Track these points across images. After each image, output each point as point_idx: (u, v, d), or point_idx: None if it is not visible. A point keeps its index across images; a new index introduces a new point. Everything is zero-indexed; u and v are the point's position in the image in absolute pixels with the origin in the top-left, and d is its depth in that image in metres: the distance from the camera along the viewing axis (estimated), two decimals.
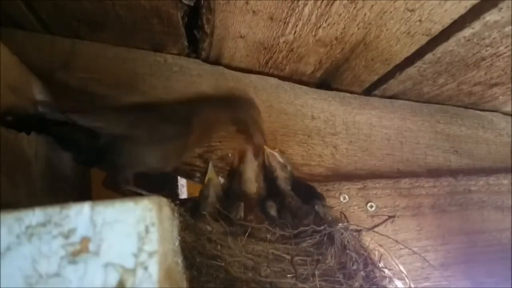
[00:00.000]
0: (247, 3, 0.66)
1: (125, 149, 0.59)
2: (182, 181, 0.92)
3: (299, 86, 0.90)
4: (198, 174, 0.78)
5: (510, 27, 0.64)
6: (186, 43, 0.80)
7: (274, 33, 0.73)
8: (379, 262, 0.66)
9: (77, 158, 0.63)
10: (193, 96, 0.73)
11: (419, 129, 0.94)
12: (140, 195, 0.61)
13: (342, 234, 0.64)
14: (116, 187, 0.60)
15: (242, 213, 0.64)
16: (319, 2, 0.63)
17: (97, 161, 0.63)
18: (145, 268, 0.30)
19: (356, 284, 0.59)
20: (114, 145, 0.59)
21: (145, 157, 0.61)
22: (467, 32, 0.66)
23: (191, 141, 0.65)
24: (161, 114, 0.64)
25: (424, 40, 0.71)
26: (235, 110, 0.71)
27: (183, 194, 0.93)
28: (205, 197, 0.70)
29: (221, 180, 0.76)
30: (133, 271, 0.30)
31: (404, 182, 0.86)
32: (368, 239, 0.70)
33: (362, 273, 0.61)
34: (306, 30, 0.71)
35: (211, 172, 0.74)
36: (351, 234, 0.66)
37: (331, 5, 0.64)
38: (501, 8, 0.60)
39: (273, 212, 0.68)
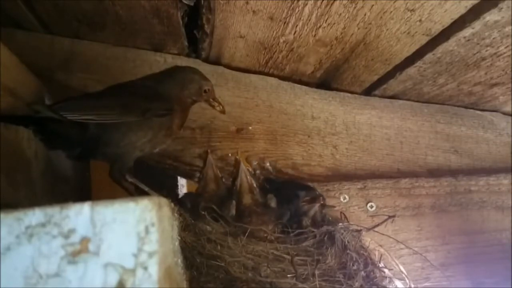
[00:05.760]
0: (247, 3, 0.65)
1: (117, 136, 0.59)
2: (182, 181, 0.92)
3: (299, 86, 0.90)
4: (198, 174, 0.78)
5: (510, 27, 0.64)
6: (186, 43, 0.80)
7: (274, 33, 0.73)
8: (379, 262, 0.66)
9: (70, 153, 0.63)
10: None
11: (419, 129, 0.94)
12: (142, 190, 0.62)
13: (342, 234, 0.64)
14: (119, 178, 0.60)
15: (234, 211, 0.65)
16: (319, 2, 0.63)
17: (91, 154, 0.62)
18: (145, 268, 0.30)
19: (356, 284, 0.59)
20: (105, 134, 0.58)
21: (138, 140, 0.61)
22: (467, 32, 0.66)
23: (175, 117, 0.65)
24: (144, 93, 0.64)
25: (424, 40, 0.71)
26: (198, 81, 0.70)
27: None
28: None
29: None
30: (133, 271, 0.30)
31: (404, 182, 0.86)
32: (368, 239, 0.70)
33: (362, 273, 0.61)
34: (306, 30, 0.71)
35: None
36: (351, 234, 0.66)
37: (331, 5, 0.64)
38: (501, 8, 0.60)
39: (273, 204, 0.68)
